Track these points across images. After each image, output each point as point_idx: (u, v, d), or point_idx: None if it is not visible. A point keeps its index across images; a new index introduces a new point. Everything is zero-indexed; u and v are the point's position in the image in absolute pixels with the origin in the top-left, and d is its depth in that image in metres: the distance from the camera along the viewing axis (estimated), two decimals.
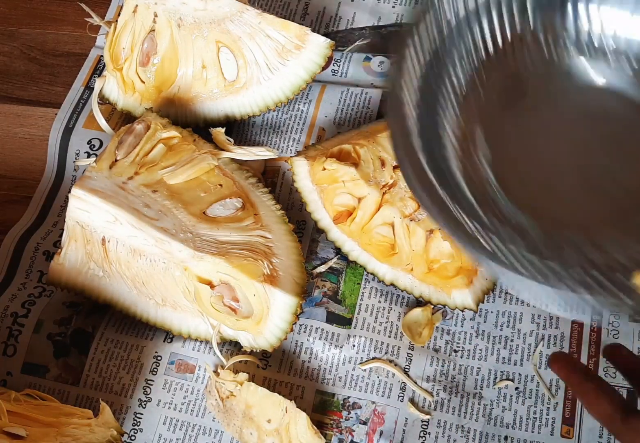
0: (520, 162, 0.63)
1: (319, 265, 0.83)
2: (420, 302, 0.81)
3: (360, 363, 0.78)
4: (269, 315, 0.75)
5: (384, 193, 0.78)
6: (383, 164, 0.79)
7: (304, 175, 0.82)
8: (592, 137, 0.63)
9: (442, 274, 0.79)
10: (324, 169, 0.80)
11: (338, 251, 0.83)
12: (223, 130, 0.84)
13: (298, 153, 0.83)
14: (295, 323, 0.76)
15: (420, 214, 0.77)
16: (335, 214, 0.81)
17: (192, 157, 0.80)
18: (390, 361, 0.78)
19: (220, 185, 0.80)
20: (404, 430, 0.76)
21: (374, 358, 0.79)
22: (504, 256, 0.53)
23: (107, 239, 0.76)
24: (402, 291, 0.81)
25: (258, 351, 0.77)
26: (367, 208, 0.79)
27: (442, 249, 0.77)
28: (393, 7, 0.98)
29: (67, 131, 0.93)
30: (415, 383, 0.77)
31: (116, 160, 0.78)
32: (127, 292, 0.79)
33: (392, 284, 0.81)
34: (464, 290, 0.78)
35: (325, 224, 0.82)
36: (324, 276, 0.82)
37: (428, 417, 0.76)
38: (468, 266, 0.78)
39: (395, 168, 0.79)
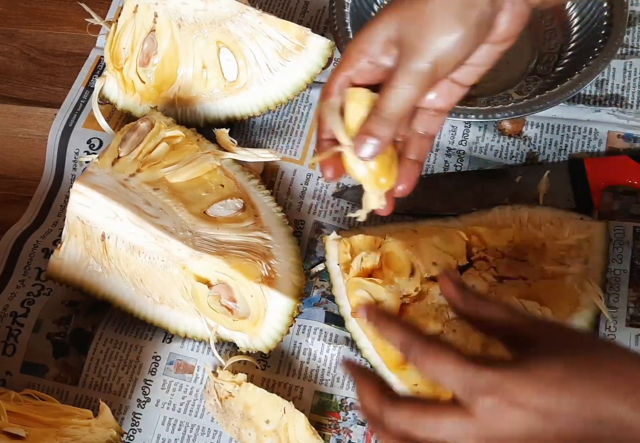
0: None
1: (318, 264, 0.83)
2: None
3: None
4: (266, 316, 0.75)
5: (406, 303, 0.74)
6: (412, 272, 0.74)
7: (334, 257, 0.78)
8: None
9: None
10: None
11: None
12: (227, 131, 0.84)
13: (338, 231, 0.80)
14: (291, 325, 0.75)
15: None
16: (355, 306, 0.76)
17: (195, 156, 0.80)
18: None
19: (222, 185, 0.80)
20: None
21: None
22: None
23: (107, 235, 0.76)
24: None
25: (255, 352, 0.77)
26: None
27: None
28: None
29: (67, 131, 0.93)
30: None
31: (119, 157, 0.78)
32: (126, 289, 0.79)
33: None
34: None
35: (345, 313, 0.77)
36: (322, 276, 0.82)
37: None
38: None
39: (425, 280, 0.74)
